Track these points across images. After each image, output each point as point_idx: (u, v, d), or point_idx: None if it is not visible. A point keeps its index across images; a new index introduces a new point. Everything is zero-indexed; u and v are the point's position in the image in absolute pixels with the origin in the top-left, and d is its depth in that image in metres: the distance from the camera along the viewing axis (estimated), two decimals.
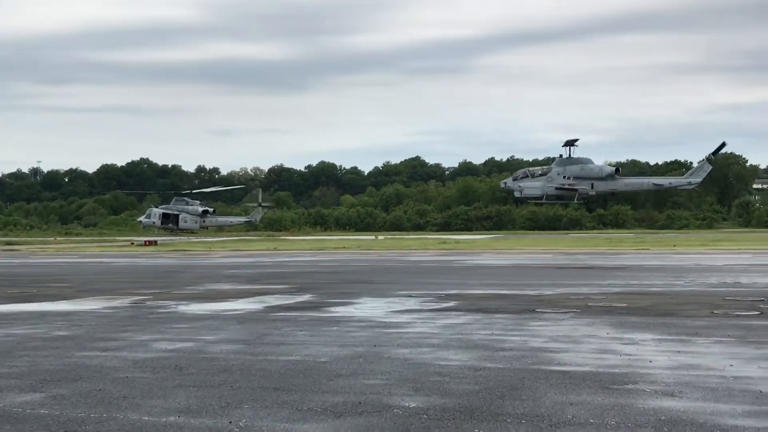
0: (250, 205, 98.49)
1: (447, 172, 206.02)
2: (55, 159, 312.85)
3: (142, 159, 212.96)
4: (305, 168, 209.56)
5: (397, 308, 23.09)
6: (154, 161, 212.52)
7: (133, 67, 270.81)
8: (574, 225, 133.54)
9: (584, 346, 16.00)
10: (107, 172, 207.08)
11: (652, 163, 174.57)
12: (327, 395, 11.70)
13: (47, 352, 15.68)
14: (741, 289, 28.11)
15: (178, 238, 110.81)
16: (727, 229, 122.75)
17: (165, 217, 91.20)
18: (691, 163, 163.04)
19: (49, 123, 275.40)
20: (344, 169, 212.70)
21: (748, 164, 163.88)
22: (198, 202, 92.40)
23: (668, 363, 14.01)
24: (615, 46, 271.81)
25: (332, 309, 23.07)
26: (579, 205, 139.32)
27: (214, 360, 14.68)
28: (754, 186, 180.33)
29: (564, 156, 62.20)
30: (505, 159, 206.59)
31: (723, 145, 60.32)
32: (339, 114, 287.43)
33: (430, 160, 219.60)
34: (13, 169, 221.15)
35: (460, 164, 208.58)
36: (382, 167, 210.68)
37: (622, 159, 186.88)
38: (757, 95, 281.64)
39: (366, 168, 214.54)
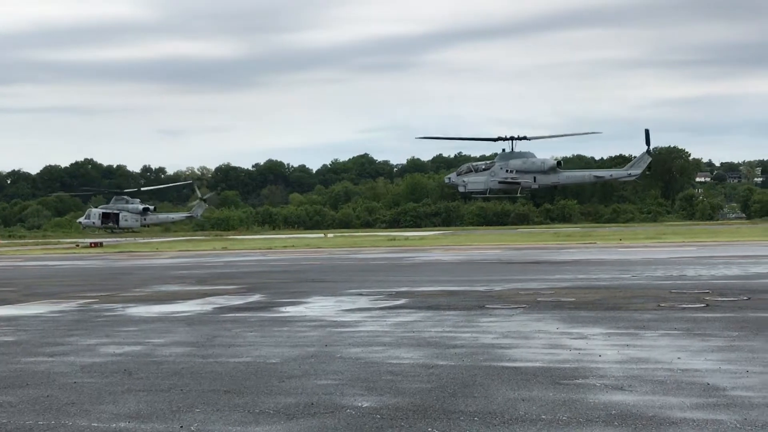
0: (191, 203, 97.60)
1: (395, 169, 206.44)
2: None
3: (86, 159, 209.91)
4: (253, 166, 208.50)
5: (348, 307, 23.06)
6: (99, 161, 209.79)
7: (78, 66, 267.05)
8: (522, 220, 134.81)
9: (535, 341, 16.13)
10: (51, 173, 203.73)
11: (597, 157, 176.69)
12: (279, 397, 11.63)
13: None
14: (686, 281, 28.59)
15: (124, 239, 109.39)
16: (671, 222, 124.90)
17: (105, 217, 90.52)
18: (635, 157, 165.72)
19: None
20: (292, 167, 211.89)
21: (690, 158, 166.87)
22: (138, 200, 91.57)
23: (617, 357, 14.18)
24: (558, 41, 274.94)
25: (282, 309, 22.96)
26: (526, 200, 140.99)
27: (163, 363, 14.50)
28: (697, 179, 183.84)
29: (506, 150, 63.13)
30: (452, 155, 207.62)
31: (647, 132, 61.63)
32: (286, 112, 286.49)
33: (379, 157, 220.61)
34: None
35: (408, 161, 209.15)
36: (330, 165, 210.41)
37: (568, 153, 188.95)
38: (699, 90, 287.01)
39: (314, 166, 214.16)
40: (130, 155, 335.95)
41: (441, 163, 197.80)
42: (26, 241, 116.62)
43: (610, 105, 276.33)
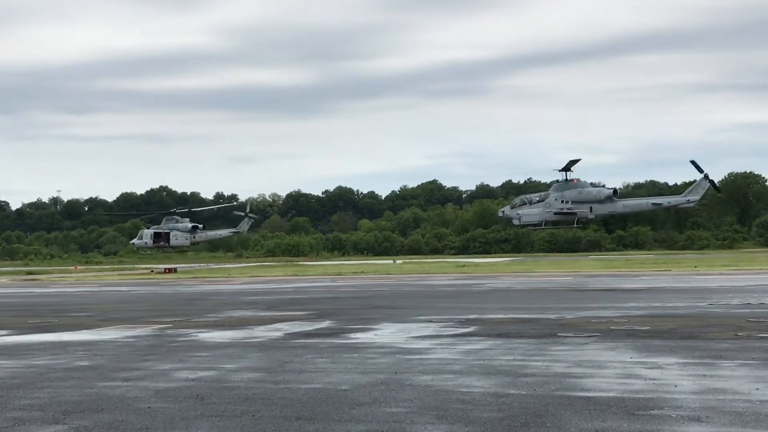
0: (238, 213, 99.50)
1: (464, 195, 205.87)
2: (75, 188, 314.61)
3: (161, 186, 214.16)
4: (323, 193, 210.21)
5: (418, 334, 23.00)
6: (173, 188, 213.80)
7: (152, 95, 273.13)
8: (594, 247, 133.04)
9: (608, 371, 15.86)
10: (127, 200, 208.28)
11: (671, 183, 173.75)
12: (349, 424, 11.63)
13: (69, 383, 15.68)
14: (765, 310, 27.83)
15: (197, 265, 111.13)
16: (748, 249, 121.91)
17: (156, 236, 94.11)
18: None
19: (69, 152, 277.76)
20: (361, 193, 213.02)
21: (767, 183, 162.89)
22: (188, 219, 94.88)
23: (693, 387, 13.86)
24: (630, 65, 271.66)
25: (352, 335, 23.00)
26: (598, 226, 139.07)
27: (235, 389, 14.64)
28: None
29: (561, 180, 62.48)
30: (522, 181, 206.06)
31: (693, 162, 60.36)
32: (355, 138, 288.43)
33: (447, 183, 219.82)
34: (34, 199, 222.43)
35: (477, 187, 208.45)
36: (399, 191, 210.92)
37: (641, 179, 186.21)
38: None
39: (383, 192, 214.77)
40: (204, 182, 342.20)
41: (510, 189, 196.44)
42: (103, 267, 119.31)
43: (683, 130, 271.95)
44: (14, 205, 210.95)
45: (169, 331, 25.24)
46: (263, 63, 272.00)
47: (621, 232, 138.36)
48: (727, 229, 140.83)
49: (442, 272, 69.30)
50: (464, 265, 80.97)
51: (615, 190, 62.22)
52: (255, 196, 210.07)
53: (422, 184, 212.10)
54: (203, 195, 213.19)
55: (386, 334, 23.28)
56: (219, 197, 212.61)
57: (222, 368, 17.24)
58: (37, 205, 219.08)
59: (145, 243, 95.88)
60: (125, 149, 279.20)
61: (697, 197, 60.94)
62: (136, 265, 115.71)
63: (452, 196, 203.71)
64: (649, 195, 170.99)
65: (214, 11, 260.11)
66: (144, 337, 23.98)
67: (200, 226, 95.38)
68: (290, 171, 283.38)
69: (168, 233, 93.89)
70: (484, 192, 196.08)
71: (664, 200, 61.74)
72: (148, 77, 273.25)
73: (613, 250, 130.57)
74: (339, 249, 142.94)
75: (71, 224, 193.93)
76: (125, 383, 15.50)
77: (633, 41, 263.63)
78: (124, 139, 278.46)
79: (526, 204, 64.24)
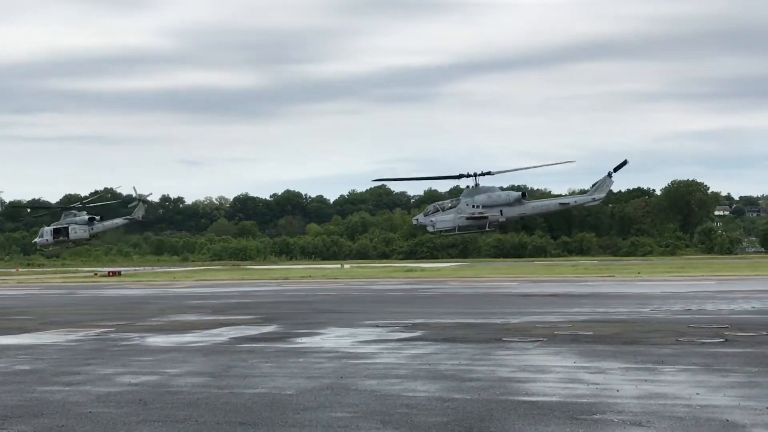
0: (131, 200, 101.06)
1: (412, 200, 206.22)
2: (18, 189, 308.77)
3: (106, 189, 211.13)
4: (270, 197, 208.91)
5: (364, 338, 22.98)
6: (119, 191, 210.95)
7: (98, 96, 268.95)
8: (539, 252, 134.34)
9: (552, 375, 16.00)
10: (70, 201, 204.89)
11: (615, 190, 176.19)
12: (293, 429, 11.57)
13: (8, 387, 15.37)
14: (706, 316, 28.33)
15: (142, 268, 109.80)
16: (690, 256, 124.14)
17: (56, 232, 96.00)
18: (654, 190, 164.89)
19: (11, 152, 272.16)
20: (309, 197, 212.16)
21: (709, 191, 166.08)
22: (84, 212, 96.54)
23: (635, 392, 14.04)
24: (577, 73, 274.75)
25: (298, 340, 22.90)
26: (543, 232, 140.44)
27: (178, 394, 14.47)
28: (716, 213, 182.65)
29: (471, 187, 64.30)
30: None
31: (625, 162, 62.05)
32: (304, 142, 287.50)
33: (396, 188, 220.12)
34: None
35: (425, 192, 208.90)
36: (347, 195, 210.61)
37: (586, 186, 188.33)
38: (718, 123, 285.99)
39: (331, 196, 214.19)
40: (150, 184, 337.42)
41: (458, 194, 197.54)
42: (45, 269, 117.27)
43: (630, 138, 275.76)
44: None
45: (112, 335, 24.89)
46: (212, 65, 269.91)
47: (566, 238, 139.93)
48: (670, 236, 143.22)
49: (390, 277, 69.36)
50: (411, 270, 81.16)
51: (523, 193, 64.21)
52: (202, 199, 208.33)
53: (371, 188, 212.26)
54: (150, 198, 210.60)
55: (332, 338, 23.23)
56: (165, 200, 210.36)
57: (165, 373, 17.04)
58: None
59: (47, 240, 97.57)
60: (70, 151, 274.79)
61: (602, 195, 62.76)
62: (79, 268, 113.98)
63: (400, 201, 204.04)
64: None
65: (163, 12, 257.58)
66: (86, 341, 23.61)
67: (97, 217, 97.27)
68: (238, 174, 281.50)
69: (67, 228, 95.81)
70: (432, 197, 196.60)
71: (571, 200, 63.46)
72: (95, 78, 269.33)
73: (559, 255, 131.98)
74: (287, 253, 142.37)
75: (13, 226, 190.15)
76: (66, 388, 15.24)
77: (580, 49, 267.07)
78: (70, 140, 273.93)
79: (439, 211, 65.86)
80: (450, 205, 65.30)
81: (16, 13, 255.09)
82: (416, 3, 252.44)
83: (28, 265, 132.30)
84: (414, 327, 25.89)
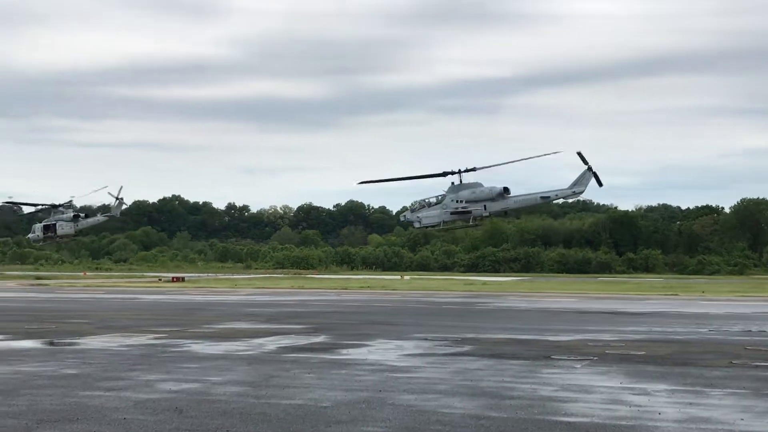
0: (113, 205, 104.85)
1: None
2: (88, 194, 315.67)
3: (174, 196, 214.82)
4: (334, 206, 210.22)
5: (410, 352, 22.83)
6: (186, 198, 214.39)
7: (167, 104, 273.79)
8: (604, 268, 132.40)
9: (595, 395, 15.67)
10: (139, 208, 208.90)
11: (683, 207, 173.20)
12: None
13: (51, 391, 15.60)
14: (764, 338, 27.52)
15: (206, 274, 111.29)
16: (758, 276, 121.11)
17: (46, 229, 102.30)
18: (722, 208, 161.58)
19: (83, 158, 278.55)
20: (372, 208, 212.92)
21: None
22: (71, 210, 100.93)
23: (677, 415, 13.65)
24: (642, 88, 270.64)
25: (344, 351, 22.85)
26: (608, 248, 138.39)
27: (216, 402, 14.52)
28: None
29: (455, 183, 65.38)
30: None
31: (579, 153, 61.89)
32: (368, 152, 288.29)
33: (379, 189, 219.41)
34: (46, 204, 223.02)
35: None
36: (409, 206, 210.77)
37: (654, 203, 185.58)
38: None
39: (394, 207, 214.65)
40: (216, 192, 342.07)
41: (521, 209, 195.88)
42: (112, 273, 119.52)
43: (697, 153, 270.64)
44: (26, 210, 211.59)
45: (163, 341, 25.16)
46: (278, 75, 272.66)
47: (632, 255, 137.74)
48: (739, 255, 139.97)
49: (449, 290, 69.02)
50: (472, 284, 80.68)
51: (506, 188, 64.74)
52: (266, 207, 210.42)
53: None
54: (215, 205, 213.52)
55: (378, 350, 23.13)
56: (231, 208, 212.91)
57: (207, 381, 17.13)
58: (48, 211, 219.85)
59: (38, 236, 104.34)
60: (138, 157, 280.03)
61: (583, 188, 62.78)
62: (145, 273, 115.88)
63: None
64: (662, 218, 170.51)
65: (231, 22, 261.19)
66: (137, 346, 23.90)
67: (81, 214, 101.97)
68: (302, 183, 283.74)
69: (54, 224, 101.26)
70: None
71: (552, 193, 63.75)
72: (162, 85, 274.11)
73: (624, 272, 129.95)
74: (348, 263, 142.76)
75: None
76: (107, 393, 15.41)
77: (645, 63, 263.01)
78: (138, 146, 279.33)
79: (425, 207, 67.08)
80: (435, 200, 66.75)
81: (83, 21, 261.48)
82: (480, 14, 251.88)
83: (96, 269, 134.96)
84: (463, 341, 25.65)
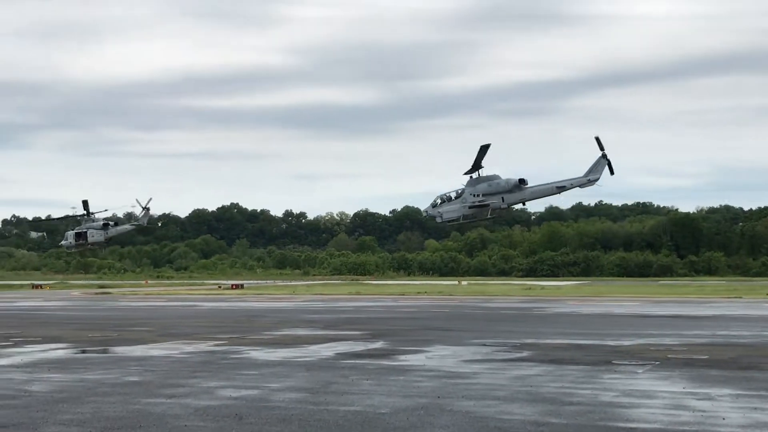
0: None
1: (533, 217, 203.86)
2: (150, 203, 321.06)
3: (232, 204, 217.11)
4: (390, 212, 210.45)
5: (469, 357, 22.73)
6: (244, 206, 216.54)
7: (221, 113, 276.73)
8: (665, 272, 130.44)
9: (657, 401, 15.42)
10: (199, 216, 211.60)
11: (746, 208, 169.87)
12: None
13: (114, 398, 15.86)
14: None
15: (264, 281, 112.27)
16: None
17: (77, 236, 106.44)
18: None
19: (144, 168, 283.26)
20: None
21: None
22: (101, 218, 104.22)
23: (742, 421, 13.38)
24: (704, 88, 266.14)
25: (402, 357, 22.84)
26: (669, 251, 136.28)
27: (275, 409, 14.62)
28: None
29: (474, 176, 65.97)
30: (593, 204, 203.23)
31: (596, 139, 62.18)
32: (423, 158, 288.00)
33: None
34: (108, 214, 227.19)
35: (546, 209, 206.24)
36: None
37: (715, 204, 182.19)
38: None
39: None
40: (273, 200, 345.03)
41: (580, 212, 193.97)
42: (173, 281, 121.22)
43: (762, 153, 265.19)
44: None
45: (223, 348, 25.42)
46: (333, 82, 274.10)
47: (693, 257, 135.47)
48: None
49: (507, 295, 68.61)
50: (530, 288, 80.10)
51: (522, 180, 65.06)
52: (323, 214, 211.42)
53: None
54: (273, 212, 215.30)
55: (436, 356, 23.07)
56: (288, 215, 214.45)
57: (266, 387, 17.25)
58: (112, 220, 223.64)
59: (70, 243, 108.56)
60: (198, 166, 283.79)
61: (598, 176, 63.29)
62: (205, 281, 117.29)
63: (520, 217, 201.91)
64: (724, 220, 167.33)
65: (283, 30, 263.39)
66: (197, 353, 24.18)
67: (111, 223, 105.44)
68: (358, 190, 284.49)
69: (86, 232, 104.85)
70: (552, 214, 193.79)
71: (567, 182, 64.24)
72: (218, 95, 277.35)
73: (685, 275, 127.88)
74: (405, 269, 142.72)
75: (144, 239, 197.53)
76: (168, 400, 15.61)
77: (706, 63, 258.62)
78: (197, 156, 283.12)
79: (445, 202, 68.00)
80: (455, 195, 67.92)
81: (142, 32, 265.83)
82: (537, 16, 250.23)
83: (158, 277, 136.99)
84: (522, 347, 25.47)
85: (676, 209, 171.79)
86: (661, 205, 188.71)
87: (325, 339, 28.38)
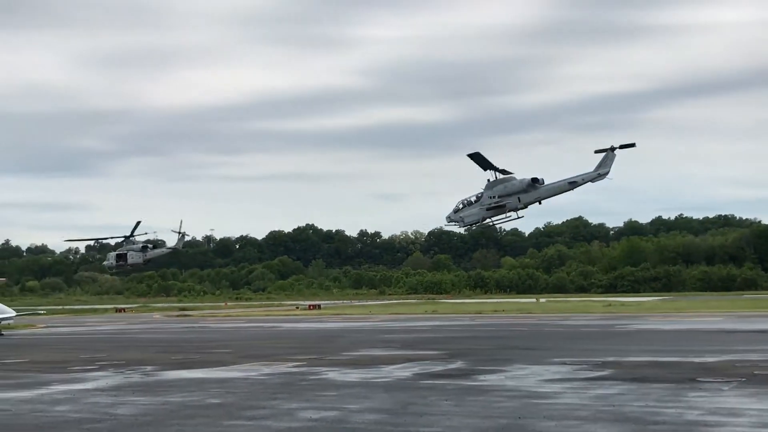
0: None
1: (611, 232, 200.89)
2: (227, 226, 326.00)
3: (307, 225, 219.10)
4: (465, 230, 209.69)
5: (549, 377, 22.45)
6: (319, 226, 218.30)
7: (300, 135, 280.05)
8: (749, 286, 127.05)
9: (744, 419, 15.01)
10: (275, 238, 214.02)
11: None
12: None
13: (197, 421, 16.09)
14: None
15: (341, 301, 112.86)
16: None
17: (118, 257, 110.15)
18: None
19: (221, 191, 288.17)
20: (504, 231, 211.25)
21: None
22: (141, 241, 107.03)
23: None
24: None
25: (481, 377, 22.68)
26: (753, 264, 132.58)
27: (355, 430, 14.65)
28: None
29: (491, 180, 66.70)
30: (673, 217, 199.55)
31: (633, 145, 62.63)
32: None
33: (594, 219, 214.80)
34: (188, 237, 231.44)
35: (625, 223, 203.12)
36: (543, 228, 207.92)
37: None
38: None
39: (527, 229, 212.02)
40: (348, 220, 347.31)
41: (661, 226, 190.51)
42: (251, 303, 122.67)
43: None
44: (169, 244, 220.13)
45: (302, 369, 25.60)
46: (408, 100, 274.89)
47: None
48: None
49: (586, 312, 67.64)
50: (610, 305, 78.82)
51: (535, 179, 65.70)
52: (398, 233, 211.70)
53: (567, 220, 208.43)
54: (348, 233, 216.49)
55: (516, 376, 22.84)
56: (363, 235, 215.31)
57: (346, 408, 17.31)
58: (191, 244, 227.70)
59: (111, 263, 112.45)
60: (274, 188, 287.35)
61: (607, 170, 64.49)
62: (282, 302, 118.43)
63: (599, 232, 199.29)
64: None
65: (358, 51, 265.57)
66: (277, 374, 24.39)
67: (149, 246, 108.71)
68: (433, 208, 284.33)
69: (126, 254, 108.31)
70: (632, 229, 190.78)
71: (579, 178, 65.10)
72: (297, 117, 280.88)
73: None
74: (481, 287, 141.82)
75: (223, 261, 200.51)
76: (249, 422, 15.77)
77: None
78: (273, 178, 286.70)
79: (465, 206, 68.98)
80: (475, 199, 69.32)
81: (224, 58, 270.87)
82: (613, 28, 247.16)
83: (236, 298, 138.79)
84: (604, 365, 25.05)
85: (759, 221, 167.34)
86: (744, 217, 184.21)
87: (403, 359, 28.36)
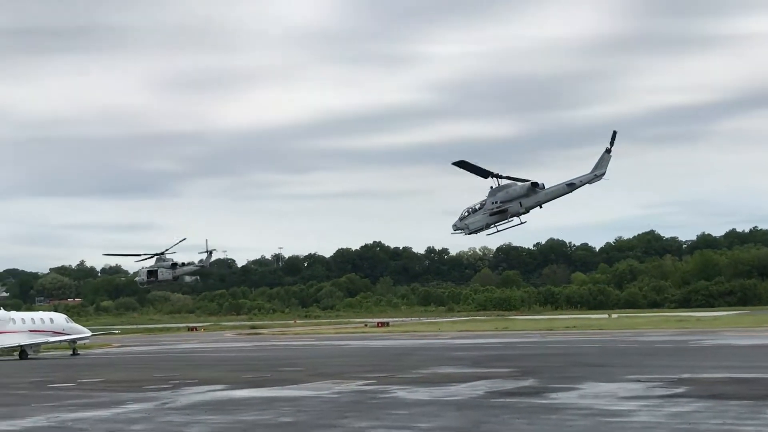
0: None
1: (684, 246, 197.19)
2: (296, 245, 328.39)
3: (375, 242, 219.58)
4: (534, 246, 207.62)
5: (623, 394, 22.05)
6: (387, 244, 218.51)
7: (367, 152, 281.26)
8: None
9: None
10: (343, 255, 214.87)
11: None
12: None
13: None
14: None
15: (409, 318, 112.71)
16: None
17: (149, 274, 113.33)
18: None
19: (289, 210, 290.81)
20: (574, 245, 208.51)
21: None
22: (171, 258, 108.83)
23: None
24: None
25: (553, 395, 22.37)
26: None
27: None
28: None
29: (494, 186, 67.25)
30: (747, 230, 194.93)
31: (614, 132, 64.41)
32: None
33: (666, 233, 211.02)
34: (257, 256, 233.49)
35: (698, 237, 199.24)
36: (614, 243, 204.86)
37: None
38: None
39: (597, 244, 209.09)
40: (416, 237, 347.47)
41: (734, 239, 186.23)
42: (320, 320, 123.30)
43: None
44: (240, 263, 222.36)
45: (373, 387, 25.57)
46: (474, 116, 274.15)
47: None
48: None
49: (659, 327, 66.41)
50: (684, 320, 77.26)
51: (535, 183, 66.26)
52: (465, 249, 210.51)
53: (639, 234, 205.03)
54: (415, 249, 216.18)
55: (589, 394, 22.48)
56: (430, 251, 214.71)
57: (417, 427, 17.23)
58: (261, 262, 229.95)
59: (143, 279, 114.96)
60: (341, 206, 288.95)
61: (603, 170, 65.09)
62: (351, 319, 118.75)
63: (671, 246, 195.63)
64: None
65: (421, 68, 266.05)
66: (347, 393, 24.42)
67: (179, 262, 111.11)
68: None
69: (156, 270, 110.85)
70: (705, 242, 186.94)
71: (576, 180, 65.70)
72: (364, 135, 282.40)
73: None
74: (551, 303, 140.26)
75: (292, 279, 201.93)
76: None
77: None
78: (341, 196, 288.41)
79: (470, 214, 69.75)
80: (479, 206, 70.32)
81: (292, 77, 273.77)
82: (682, 39, 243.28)
83: (306, 316, 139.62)
84: (679, 382, 24.53)
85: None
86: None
87: (473, 377, 28.15)
